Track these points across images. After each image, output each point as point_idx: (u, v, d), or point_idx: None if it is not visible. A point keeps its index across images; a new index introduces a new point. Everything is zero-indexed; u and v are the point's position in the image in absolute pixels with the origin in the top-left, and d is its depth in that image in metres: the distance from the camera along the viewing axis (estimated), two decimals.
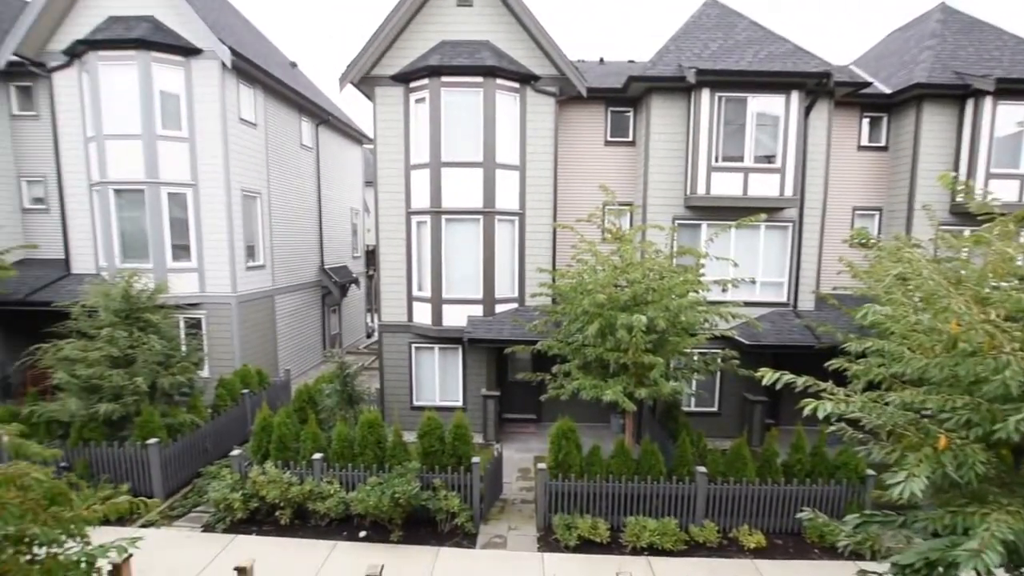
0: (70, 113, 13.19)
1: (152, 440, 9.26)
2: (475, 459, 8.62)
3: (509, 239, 12.30)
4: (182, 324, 12.89)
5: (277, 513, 8.57)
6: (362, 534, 8.31)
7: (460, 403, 12.79)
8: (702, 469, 8.50)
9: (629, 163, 13.34)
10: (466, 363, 12.70)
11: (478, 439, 11.47)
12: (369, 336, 25.43)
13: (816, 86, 11.43)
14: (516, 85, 11.83)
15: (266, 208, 15.19)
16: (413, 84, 11.89)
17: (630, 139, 13.31)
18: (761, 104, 11.62)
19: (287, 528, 8.51)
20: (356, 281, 22.49)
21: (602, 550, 8.08)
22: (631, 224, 12.91)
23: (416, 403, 12.96)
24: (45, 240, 14.28)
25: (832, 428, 5.26)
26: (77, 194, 13.57)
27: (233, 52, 12.50)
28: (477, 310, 12.10)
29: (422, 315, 12.47)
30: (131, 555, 4.82)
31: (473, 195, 11.76)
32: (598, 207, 12.17)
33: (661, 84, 11.84)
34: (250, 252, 14.45)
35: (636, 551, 8.05)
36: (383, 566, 5.29)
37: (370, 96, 12.40)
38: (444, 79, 11.44)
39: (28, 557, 3.81)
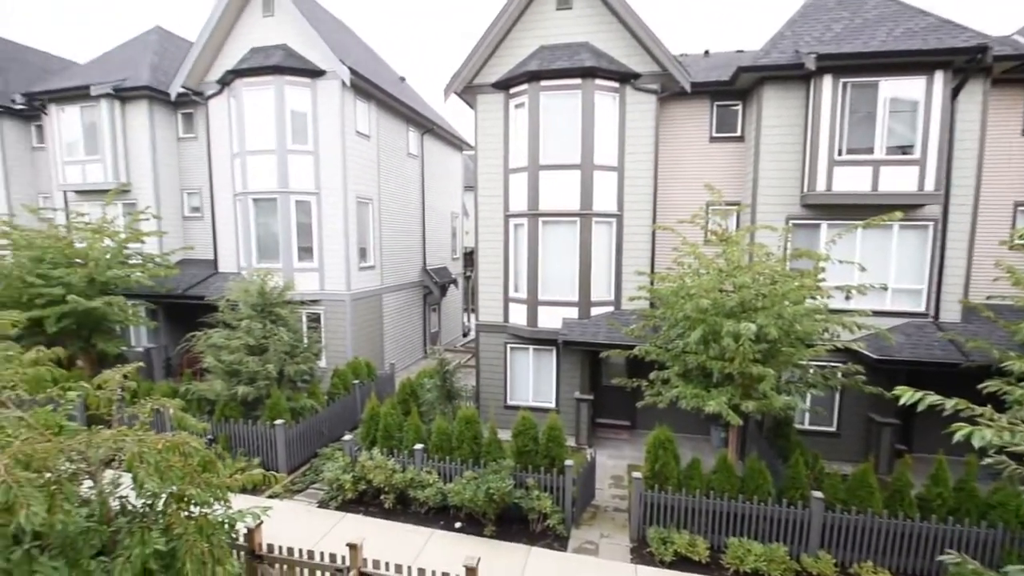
0: (220, 133, 15.27)
1: (279, 421, 10.39)
2: (568, 462, 8.60)
3: (606, 241, 12.12)
4: (304, 318, 14.33)
5: (382, 497, 9.20)
6: (458, 525, 8.65)
7: (553, 405, 12.83)
8: (818, 494, 7.72)
9: (736, 160, 12.53)
10: (560, 365, 12.71)
11: (570, 442, 11.44)
12: (465, 335, 26.41)
13: (967, 63, 9.90)
14: (615, 84, 11.63)
15: (377, 213, 16.40)
16: (513, 90, 12.17)
17: (738, 134, 12.50)
18: (896, 88, 10.31)
19: (390, 512, 9.10)
20: (455, 282, 23.50)
21: (700, 569, 7.66)
22: (738, 225, 12.11)
23: (510, 402, 13.22)
24: (199, 243, 16.69)
25: (988, 460, 4.53)
26: (224, 203, 15.66)
27: (352, 71, 13.68)
28: (572, 312, 12.07)
29: (518, 316, 12.71)
30: (262, 522, 5.46)
31: (570, 197, 11.75)
32: (701, 207, 11.61)
33: (775, 73, 10.96)
34: (362, 254, 15.69)
35: (739, 575, 7.53)
36: (479, 558, 5.47)
37: (472, 104, 12.91)
38: (543, 83, 11.57)
39: (186, 514, 4.47)
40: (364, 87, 14.85)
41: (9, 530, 3.22)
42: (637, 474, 8.42)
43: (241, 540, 6.21)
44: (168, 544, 4.18)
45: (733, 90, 12.20)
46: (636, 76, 11.63)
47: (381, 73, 18.05)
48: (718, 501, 7.99)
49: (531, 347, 12.98)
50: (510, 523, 8.64)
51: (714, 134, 12.69)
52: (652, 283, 10.08)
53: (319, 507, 9.35)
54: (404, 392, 11.58)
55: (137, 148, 16.05)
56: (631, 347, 9.55)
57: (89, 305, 11.91)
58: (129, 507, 4.70)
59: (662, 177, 12.44)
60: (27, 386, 4.52)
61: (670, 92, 11.86)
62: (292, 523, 8.60)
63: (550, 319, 12.17)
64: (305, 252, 14.66)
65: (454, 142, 23.50)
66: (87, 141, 16.17)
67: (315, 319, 14.86)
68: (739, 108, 12.47)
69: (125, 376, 5.24)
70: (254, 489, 9.18)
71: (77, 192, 16.60)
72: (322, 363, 13.86)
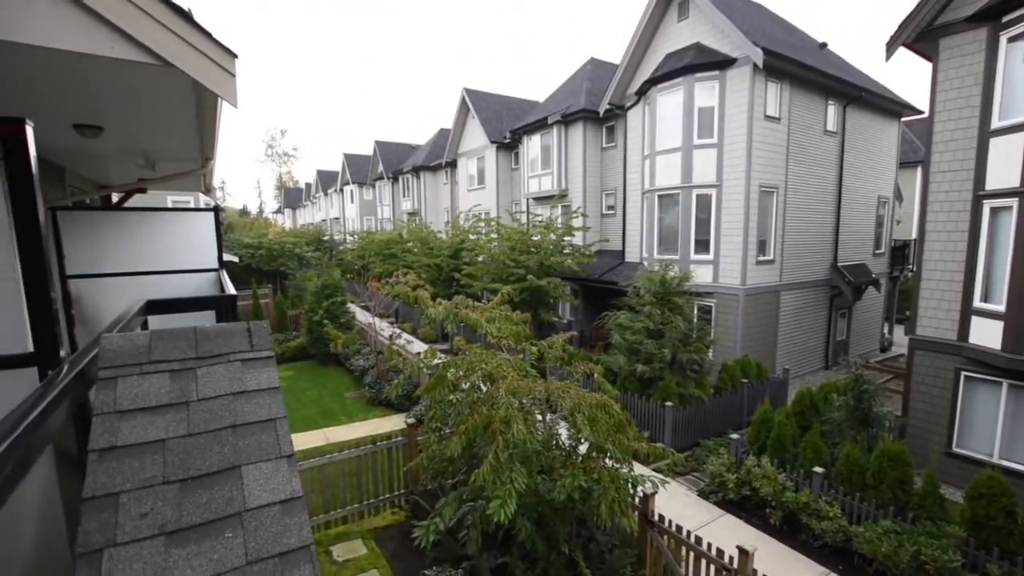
0: (634, 139, 17.23)
1: (668, 403, 11.10)
2: None
3: None
4: (695, 310, 14.70)
5: (767, 511, 8.54)
6: None
7: None
8: None
9: None
10: None
11: None
12: (884, 349, 21.05)
13: None
14: None
15: (781, 202, 15.01)
16: (1007, 17, 8.70)
17: None
18: None
19: (774, 530, 8.34)
20: (875, 282, 18.97)
21: None
22: None
23: (956, 449, 9.86)
24: (611, 236, 19.48)
25: None
26: (633, 200, 17.69)
27: (765, 51, 12.84)
28: None
29: (986, 335, 9.22)
30: (656, 491, 6.03)
31: None
32: None
33: None
34: (761, 247, 14.72)
35: None
36: None
37: (929, 55, 10.00)
38: None
39: (602, 464, 5.41)
40: (776, 65, 13.67)
41: (507, 437, 4.71)
42: None
43: (636, 502, 6.99)
44: (587, 483, 5.18)
45: None
46: None
47: (796, 45, 16.18)
48: None
49: (1005, 381, 9.21)
50: None
51: None
52: None
53: (698, 496, 9.51)
54: (802, 403, 10.30)
55: (574, 161, 20.01)
56: None
57: (539, 283, 15.80)
58: (561, 444, 6.07)
59: None
60: (512, 339, 6.43)
61: None
62: (671, 502, 9.01)
63: None
64: (701, 244, 14.93)
65: (889, 108, 18.73)
66: (543, 159, 21.29)
67: (706, 311, 15.00)
68: None
69: (564, 342, 6.74)
70: (643, 458, 10.26)
71: (535, 199, 22.14)
72: (710, 356, 13.90)
